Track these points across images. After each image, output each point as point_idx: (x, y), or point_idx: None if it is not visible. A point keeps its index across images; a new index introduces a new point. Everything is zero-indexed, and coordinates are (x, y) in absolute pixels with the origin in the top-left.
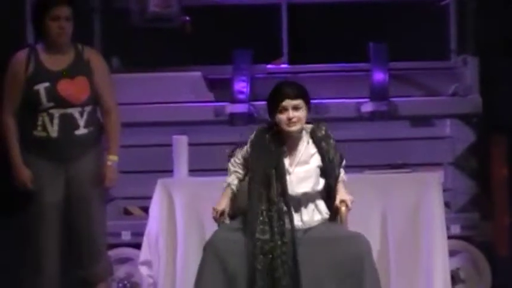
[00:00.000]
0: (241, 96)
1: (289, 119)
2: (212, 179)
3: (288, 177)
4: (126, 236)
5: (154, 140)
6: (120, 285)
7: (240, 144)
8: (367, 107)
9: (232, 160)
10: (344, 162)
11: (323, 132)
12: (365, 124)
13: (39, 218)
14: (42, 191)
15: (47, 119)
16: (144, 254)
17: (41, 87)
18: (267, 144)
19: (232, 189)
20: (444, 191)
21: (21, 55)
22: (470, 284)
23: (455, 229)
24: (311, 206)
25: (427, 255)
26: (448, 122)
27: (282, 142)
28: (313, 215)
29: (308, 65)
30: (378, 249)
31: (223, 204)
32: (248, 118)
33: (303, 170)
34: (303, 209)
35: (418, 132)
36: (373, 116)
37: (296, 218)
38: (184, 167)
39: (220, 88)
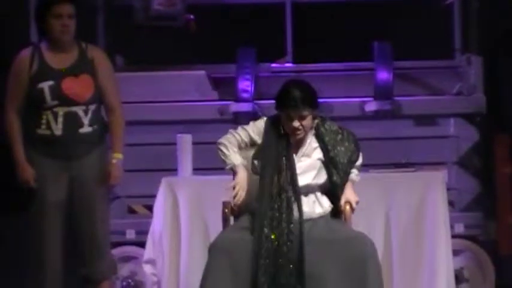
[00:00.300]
0: (246, 95)
1: (295, 128)
2: (216, 177)
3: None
4: (130, 234)
5: (159, 138)
6: (124, 283)
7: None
8: (371, 106)
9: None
10: (359, 162)
11: (328, 127)
12: (369, 123)
13: (43, 217)
14: (45, 189)
15: (51, 117)
16: (148, 252)
17: (45, 86)
18: (278, 134)
19: (244, 166)
20: (448, 190)
21: (25, 53)
22: (474, 283)
23: (459, 228)
24: (312, 197)
25: (430, 254)
26: (452, 121)
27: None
28: (314, 207)
29: (312, 64)
30: (382, 248)
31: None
32: (252, 117)
33: (305, 163)
34: (304, 200)
35: (422, 132)
36: (377, 115)
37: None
38: (189, 166)
39: (225, 87)
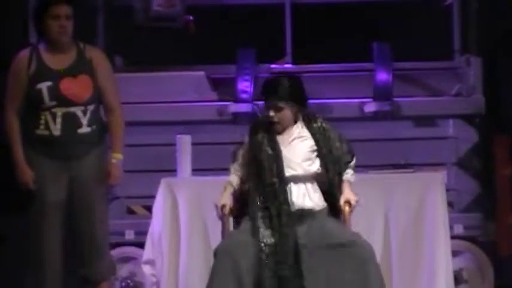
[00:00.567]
0: (245, 96)
1: (270, 119)
2: (216, 178)
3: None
4: (129, 235)
5: (158, 139)
6: (123, 284)
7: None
8: (371, 107)
9: (234, 164)
10: (353, 162)
11: (319, 124)
12: (368, 124)
13: (43, 217)
14: (44, 190)
15: (49, 118)
16: (147, 253)
17: (44, 86)
18: (263, 129)
19: (232, 185)
20: (447, 191)
21: (24, 54)
22: (473, 284)
23: (459, 229)
24: (302, 189)
25: (430, 255)
26: (451, 122)
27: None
28: (303, 199)
29: (312, 64)
30: (381, 249)
31: (224, 199)
32: (251, 117)
33: (292, 151)
34: (293, 189)
35: (421, 132)
36: (376, 116)
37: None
38: (188, 167)
39: (224, 87)
